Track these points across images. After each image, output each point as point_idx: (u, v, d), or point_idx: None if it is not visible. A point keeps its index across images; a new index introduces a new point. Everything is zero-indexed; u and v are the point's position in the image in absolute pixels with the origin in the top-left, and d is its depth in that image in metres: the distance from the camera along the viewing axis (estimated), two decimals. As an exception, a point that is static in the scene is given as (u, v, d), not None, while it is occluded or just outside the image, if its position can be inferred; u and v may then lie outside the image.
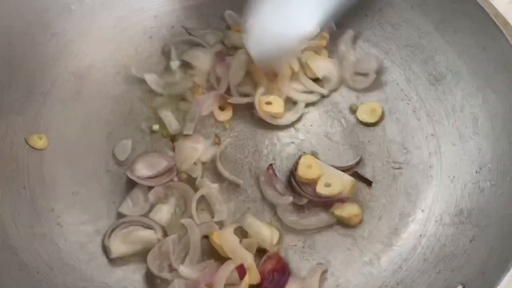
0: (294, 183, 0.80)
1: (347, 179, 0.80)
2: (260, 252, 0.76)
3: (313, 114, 0.88)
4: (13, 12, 0.79)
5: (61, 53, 0.86)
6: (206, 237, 0.76)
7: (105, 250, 0.76)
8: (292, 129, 0.86)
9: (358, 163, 0.83)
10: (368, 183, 0.81)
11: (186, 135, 0.84)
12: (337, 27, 0.89)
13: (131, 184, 0.80)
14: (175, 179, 0.80)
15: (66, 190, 0.80)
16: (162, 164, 0.80)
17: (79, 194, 0.80)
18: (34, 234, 0.74)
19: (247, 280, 0.71)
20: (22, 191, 0.77)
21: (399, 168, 0.83)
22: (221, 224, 0.77)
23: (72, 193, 0.80)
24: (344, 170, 0.81)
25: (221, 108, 0.87)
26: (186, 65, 0.90)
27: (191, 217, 0.77)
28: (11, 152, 0.78)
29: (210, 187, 0.80)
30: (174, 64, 0.89)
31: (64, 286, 0.71)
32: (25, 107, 0.81)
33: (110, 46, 0.90)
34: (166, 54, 0.91)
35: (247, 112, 0.87)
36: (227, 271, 0.71)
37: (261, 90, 0.85)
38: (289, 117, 0.86)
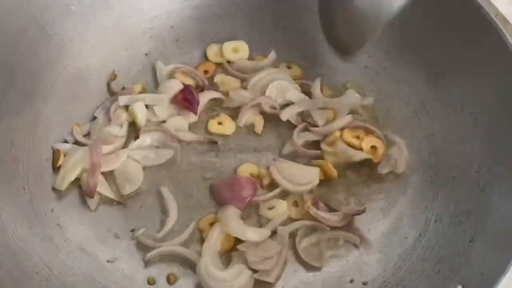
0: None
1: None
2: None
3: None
4: (13, 12, 0.79)
5: (61, 53, 0.86)
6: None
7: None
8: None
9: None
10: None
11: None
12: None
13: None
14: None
15: (66, 191, 0.80)
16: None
17: (79, 195, 0.81)
18: (33, 235, 0.74)
19: None
20: (22, 192, 0.77)
21: (399, 167, 0.83)
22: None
23: (72, 194, 0.80)
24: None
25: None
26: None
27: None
28: (10, 152, 0.78)
29: None
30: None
31: (63, 286, 0.72)
32: (25, 108, 0.81)
33: (109, 46, 0.90)
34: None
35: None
36: None
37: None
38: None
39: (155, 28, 0.93)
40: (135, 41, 0.92)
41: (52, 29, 0.84)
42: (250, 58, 0.93)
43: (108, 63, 0.90)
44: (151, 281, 0.75)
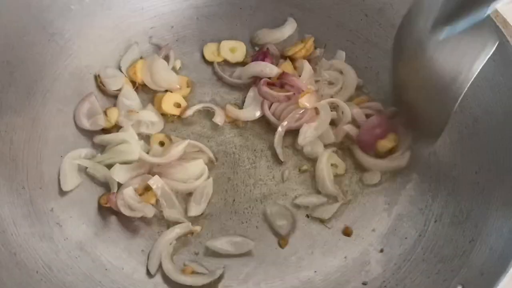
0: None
1: None
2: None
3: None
4: (13, 12, 0.79)
5: (61, 53, 0.85)
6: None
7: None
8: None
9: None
10: None
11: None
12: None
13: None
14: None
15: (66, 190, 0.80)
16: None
17: (78, 194, 0.81)
18: (33, 234, 0.74)
19: None
20: (22, 191, 0.77)
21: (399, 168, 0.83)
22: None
23: (72, 194, 0.80)
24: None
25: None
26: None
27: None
28: (10, 152, 0.78)
29: None
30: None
31: (63, 286, 0.72)
32: (25, 107, 0.81)
33: (110, 46, 0.90)
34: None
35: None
36: None
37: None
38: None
39: (155, 28, 0.93)
40: (135, 41, 0.92)
41: (52, 29, 0.84)
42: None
43: (108, 63, 0.90)
44: None
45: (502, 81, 0.76)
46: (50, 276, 0.72)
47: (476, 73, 0.68)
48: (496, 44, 0.66)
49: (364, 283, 0.75)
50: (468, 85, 0.69)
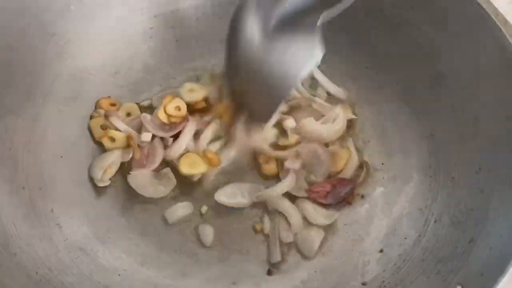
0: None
1: None
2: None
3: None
4: (12, 12, 0.79)
5: (60, 53, 0.85)
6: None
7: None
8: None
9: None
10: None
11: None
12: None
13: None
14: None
15: (66, 190, 0.80)
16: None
17: (78, 194, 0.81)
18: (33, 235, 0.74)
19: None
20: (21, 192, 0.77)
21: (399, 168, 0.83)
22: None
23: (72, 194, 0.81)
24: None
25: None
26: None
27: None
28: (10, 152, 0.78)
29: None
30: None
31: (63, 286, 0.71)
32: (25, 108, 0.81)
33: (109, 46, 0.90)
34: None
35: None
36: None
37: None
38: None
39: (155, 28, 0.93)
40: (135, 41, 0.92)
41: (51, 29, 0.84)
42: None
43: (108, 63, 0.90)
44: None
45: (502, 80, 0.76)
46: (49, 276, 0.71)
47: (301, 79, 0.75)
48: (322, 55, 0.68)
49: (364, 283, 0.75)
50: (293, 89, 0.78)
